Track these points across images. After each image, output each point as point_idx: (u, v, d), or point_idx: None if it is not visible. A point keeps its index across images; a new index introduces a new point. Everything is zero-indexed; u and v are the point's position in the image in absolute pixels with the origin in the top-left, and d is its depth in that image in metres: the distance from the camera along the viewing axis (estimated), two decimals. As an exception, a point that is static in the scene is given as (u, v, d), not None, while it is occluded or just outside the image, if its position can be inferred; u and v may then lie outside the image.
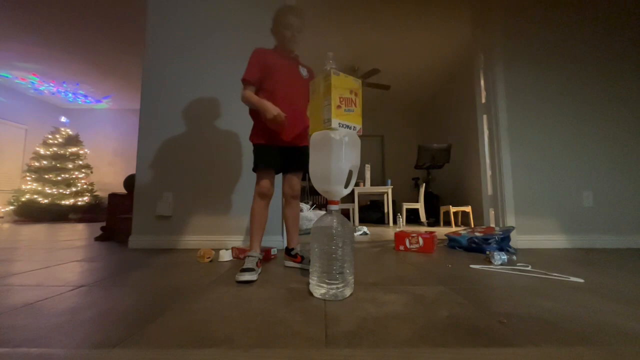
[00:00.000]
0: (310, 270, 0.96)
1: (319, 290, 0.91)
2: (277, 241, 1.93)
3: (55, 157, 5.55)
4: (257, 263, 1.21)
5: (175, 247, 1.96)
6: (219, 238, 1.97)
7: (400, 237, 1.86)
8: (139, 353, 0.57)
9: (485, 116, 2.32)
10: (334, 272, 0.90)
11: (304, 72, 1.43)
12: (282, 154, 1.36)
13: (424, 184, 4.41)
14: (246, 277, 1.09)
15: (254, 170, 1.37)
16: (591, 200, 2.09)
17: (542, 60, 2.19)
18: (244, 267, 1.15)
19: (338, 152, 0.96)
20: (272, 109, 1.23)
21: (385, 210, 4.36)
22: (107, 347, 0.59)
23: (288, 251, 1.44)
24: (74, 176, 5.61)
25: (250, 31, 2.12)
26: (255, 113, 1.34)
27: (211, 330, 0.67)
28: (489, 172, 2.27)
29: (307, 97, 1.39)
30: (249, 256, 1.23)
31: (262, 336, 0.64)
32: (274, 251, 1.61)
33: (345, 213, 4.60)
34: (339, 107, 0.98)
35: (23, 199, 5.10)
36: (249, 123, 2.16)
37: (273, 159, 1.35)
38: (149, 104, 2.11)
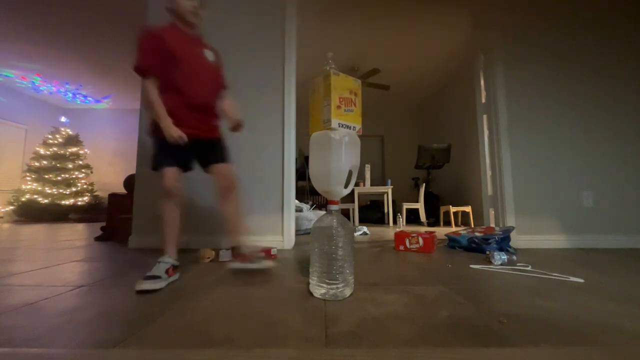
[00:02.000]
0: (310, 270, 0.96)
1: (319, 290, 0.91)
2: (277, 241, 1.93)
3: (55, 157, 5.55)
4: (167, 270, 1.07)
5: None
6: (219, 238, 1.97)
7: (400, 237, 1.86)
8: (139, 353, 0.57)
9: (485, 116, 2.32)
10: (334, 272, 0.90)
11: (210, 56, 1.28)
12: (194, 149, 1.23)
13: (424, 184, 4.41)
14: (145, 285, 0.95)
15: (154, 169, 1.20)
16: (591, 200, 2.09)
17: (542, 60, 2.19)
18: (148, 273, 1.02)
19: (338, 152, 0.96)
20: (174, 133, 1.10)
21: (385, 210, 4.36)
22: (107, 347, 0.59)
23: (234, 250, 1.32)
24: (74, 176, 5.61)
25: (251, 31, 2.12)
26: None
27: (211, 330, 0.67)
28: (489, 172, 2.27)
29: (217, 85, 1.31)
30: (159, 262, 1.09)
31: (262, 336, 0.64)
32: (274, 251, 1.61)
33: (345, 213, 4.59)
34: (338, 107, 0.99)
35: (23, 199, 5.10)
36: (249, 123, 2.16)
37: (178, 154, 1.19)
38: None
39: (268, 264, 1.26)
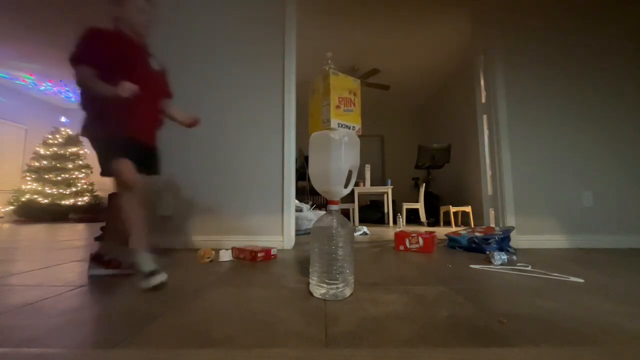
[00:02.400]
0: (310, 270, 0.96)
1: (319, 290, 0.91)
2: (277, 241, 1.93)
3: (55, 157, 5.55)
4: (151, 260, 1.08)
5: (176, 247, 1.96)
6: (219, 238, 1.97)
7: (400, 237, 1.86)
8: (139, 353, 0.57)
9: (485, 116, 2.32)
10: (334, 272, 0.90)
11: (155, 64, 1.27)
12: (136, 152, 1.17)
13: (424, 184, 4.41)
14: (159, 278, 0.99)
15: (107, 164, 1.11)
16: (591, 200, 2.09)
17: (542, 60, 2.19)
18: (149, 270, 1.02)
19: (337, 152, 0.95)
20: (125, 86, 1.01)
21: (385, 210, 4.36)
22: (107, 347, 0.59)
23: (98, 257, 1.21)
24: (74, 176, 5.61)
25: (251, 30, 2.12)
26: (100, 100, 1.09)
27: (211, 330, 0.67)
28: (489, 172, 2.27)
29: (162, 93, 1.31)
30: (140, 257, 1.08)
31: (262, 336, 0.64)
32: (274, 251, 1.61)
33: (345, 213, 4.59)
34: (338, 107, 0.99)
35: (23, 199, 5.10)
36: (249, 123, 2.16)
37: (131, 152, 1.12)
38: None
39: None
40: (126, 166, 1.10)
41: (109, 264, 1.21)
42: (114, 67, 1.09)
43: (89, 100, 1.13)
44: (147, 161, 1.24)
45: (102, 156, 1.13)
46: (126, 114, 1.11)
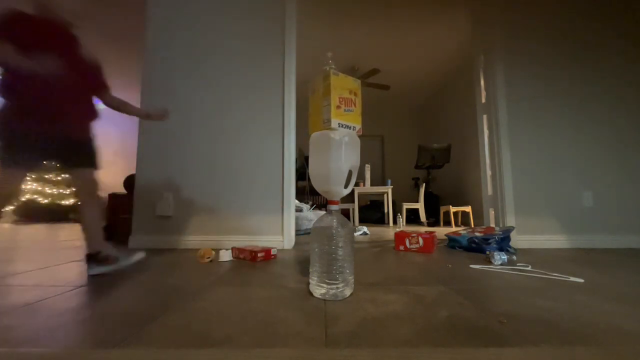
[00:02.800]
0: (310, 270, 0.96)
1: (319, 290, 0.91)
2: (277, 241, 1.93)
3: (55, 157, 5.55)
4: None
5: (175, 247, 1.96)
6: (219, 238, 1.97)
7: (400, 237, 1.86)
8: (139, 353, 0.57)
9: (485, 116, 2.32)
10: (334, 272, 0.90)
11: (86, 55, 1.24)
12: (55, 146, 1.13)
13: (424, 184, 4.41)
14: (138, 255, 1.26)
15: (3, 161, 1.04)
16: (591, 200, 2.09)
17: (543, 59, 2.19)
18: (127, 254, 1.25)
19: (337, 152, 0.95)
20: (47, 61, 0.98)
21: (385, 210, 4.36)
22: (107, 347, 0.59)
23: (93, 257, 1.21)
24: (74, 176, 5.62)
25: (252, 31, 2.12)
26: (11, 87, 1.04)
27: (211, 330, 0.67)
28: (489, 172, 2.27)
29: (91, 83, 1.30)
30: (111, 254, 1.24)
31: (262, 336, 0.64)
32: (274, 251, 1.61)
33: (345, 213, 4.59)
34: (338, 107, 0.99)
35: (23, 199, 5.11)
36: (249, 123, 2.16)
37: (33, 150, 1.07)
38: (148, 105, 2.11)
39: (138, 256, 1.29)
40: (15, 176, 1.06)
41: (106, 261, 1.22)
42: (36, 53, 1.04)
43: (8, 85, 1.06)
44: (74, 153, 1.21)
45: (3, 148, 1.06)
46: (48, 104, 1.08)
